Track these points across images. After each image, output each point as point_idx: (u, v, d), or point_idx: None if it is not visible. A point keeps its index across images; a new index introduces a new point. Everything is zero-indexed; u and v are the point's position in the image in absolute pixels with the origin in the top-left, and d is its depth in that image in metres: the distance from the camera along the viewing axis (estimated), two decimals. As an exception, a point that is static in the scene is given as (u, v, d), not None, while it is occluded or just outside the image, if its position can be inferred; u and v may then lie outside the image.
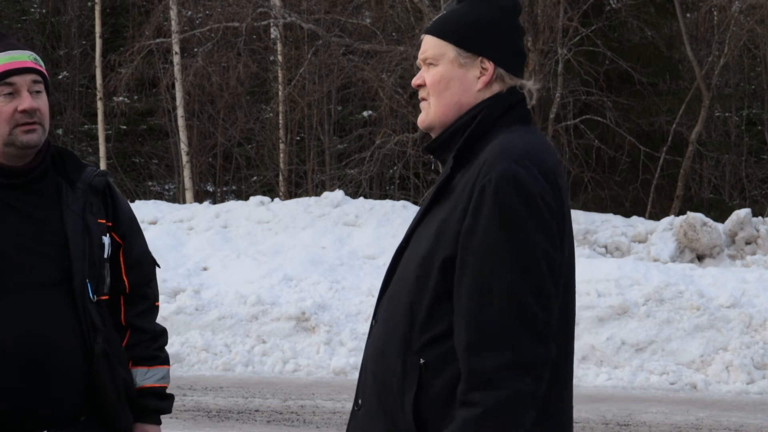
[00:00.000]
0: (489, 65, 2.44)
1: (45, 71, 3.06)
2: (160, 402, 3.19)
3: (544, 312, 2.26)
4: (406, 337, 2.36)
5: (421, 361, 2.33)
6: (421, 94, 2.51)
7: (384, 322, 2.44)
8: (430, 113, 2.49)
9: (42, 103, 3.02)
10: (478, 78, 2.45)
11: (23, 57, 3.01)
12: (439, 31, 2.48)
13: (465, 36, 2.45)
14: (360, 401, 2.47)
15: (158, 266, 3.28)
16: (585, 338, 10.24)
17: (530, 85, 2.49)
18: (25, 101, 2.97)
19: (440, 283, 2.32)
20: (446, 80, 2.46)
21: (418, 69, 2.54)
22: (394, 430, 2.36)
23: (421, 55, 2.51)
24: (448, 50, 2.46)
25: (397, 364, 2.36)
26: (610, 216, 14.68)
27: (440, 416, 2.31)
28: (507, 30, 2.48)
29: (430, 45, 2.49)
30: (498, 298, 2.23)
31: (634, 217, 14.77)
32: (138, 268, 3.18)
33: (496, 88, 2.46)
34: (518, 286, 2.24)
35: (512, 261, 2.24)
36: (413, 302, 2.36)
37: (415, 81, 2.51)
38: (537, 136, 2.45)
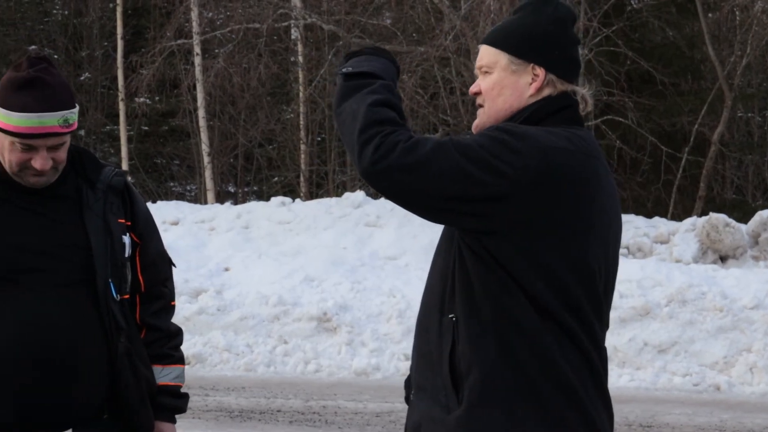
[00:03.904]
0: (540, 71, 2.57)
1: (75, 124, 3.00)
2: (174, 400, 3.21)
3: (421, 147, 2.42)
4: (442, 302, 2.53)
5: (452, 317, 2.49)
6: (478, 101, 2.64)
7: (424, 298, 2.62)
8: (484, 117, 2.62)
9: (61, 153, 3.00)
10: (530, 84, 2.58)
11: (51, 122, 2.94)
12: (492, 41, 2.62)
13: (516, 44, 2.58)
14: (413, 391, 2.63)
15: (174, 266, 3.30)
16: (607, 339, 10.17)
17: (584, 91, 2.62)
18: (39, 161, 2.95)
19: (461, 245, 2.50)
20: (499, 87, 2.59)
21: (476, 77, 2.68)
22: (434, 394, 2.52)
23: (477, 64, 2.66)
24: (501, 58, 2.60)
25: (435, 329, 2.53)
26: (632, 217, 14.61)
27: (468, 367, 2.47)
28: (559, 39, 2.60)
29: (485, 54, 2.63)
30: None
31: (657, 218, 14.69)
32: (154, 267, 3.20)
33: (546, 92, 2.59)
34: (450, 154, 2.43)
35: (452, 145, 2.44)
36: (444, 268, 2.54)
37: (473, 89, 2.65)
38: (576, 137, 2.52)
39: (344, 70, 2.58)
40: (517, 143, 2.43)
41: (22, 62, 2.99)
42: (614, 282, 2.65)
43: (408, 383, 2.71)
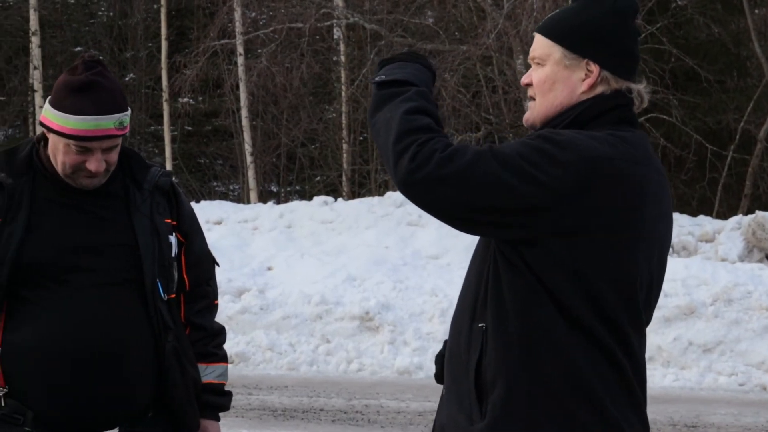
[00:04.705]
0: (594, 67, 2.48)
1: (128, 127, 3.04)
2: (218, 398, 3.23)
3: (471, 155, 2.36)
4: (474, 309, 2.47)
5: (482, 326, 2.43)
6: (529, 92, 2.55)
7: (460, 300, 2.56)
8: (534, 112, 2.53)
9: (113, 156, 3.03)
10: (583, 80, 2.48)
11: (107, 124, 2.96)
12: (547, 31, 2.52)
13: (571, 37, 2.48)
14: (444, 387, 2.59)
15: (217, 265, 3.33)
16: (651, 339, 10.13)
17: (640, 87, 2.51)
18: (94, 163, 2.98)
19: (497, 253, 2.44)
20: (551, 81, 2.50)
21: (529, 66, 2.58)
22: (460, 398, 2.47)
23: (530, 54, 2.55)
24: (555, 51, 2.50)
25: (466, 334, 2.47)
26: (676, 215, 14.49)
27: (493, 378, 2.41)
28: (617, 32, 2.50)
29: (538, 44, 2.53)
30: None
31: (701, 217, 14.57)
32: (198, 267, 3.22)
33: (599, 90, 2.49)
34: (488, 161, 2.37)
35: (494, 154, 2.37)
36: (479, 274, 2.48)
37: (524, 80, 2.56)
38: (622, 142, 2.43)
39: (377, 78, 2.52)
40: (559, 152, 2.35)
41: (77, 65, 3.01)
42: (659, 289, 2.56)
43: (438, 359, 2.67)
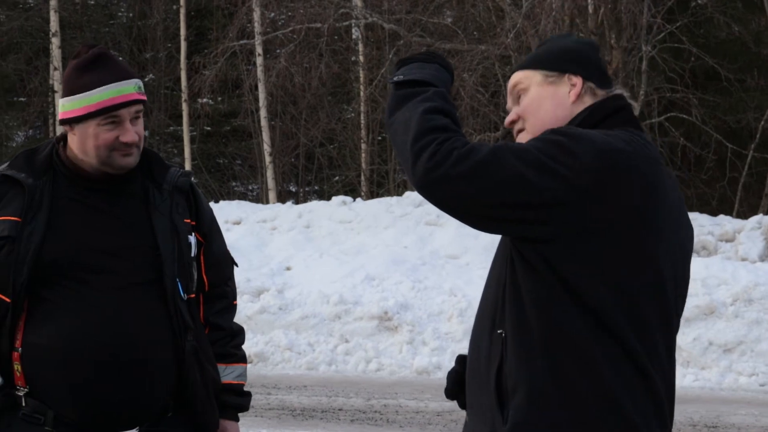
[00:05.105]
0: (577, 80, 2.54)
1: (145, 96, 3.08)
2: (237, 399, 3.24)
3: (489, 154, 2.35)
4: (494, 314, 2.45)
5: (501, 333, 2.40)
6: (517, 126, 2.58)
7: (480, 307, 2.54)
8: (527, 137, 2.52)
9: (140, 128, 3.06)
10: (569, 93, 2.53)
11: (129, 89, 3.00)
12: (523, 66, 2.60)
13: (548, 60, 2.57)
14: (467, 408, 2.55)
15: (236, 265, 3.33)
16: (671, 339, 10.09)
17: (627, 94, 2.59)
18: (128, 134, 3.00)
19: (514, 255, 2.41)
20: (538, 100, 2.54)
21: (509, 110, 2.62)
22: (482, 411, 2.44)
23: (510, 90, 2.60)
24: (535, 75, 2.56)
25: (486, 343, 2.45)
26: (696, 215, 14.44)
27: (514, 384, 2.37)
28: (587, 53, 2.60)
29: (518, 77, 2.59)
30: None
31: (722, 216, 14.50)
32: (217, 267, 3.23)
33: (588, 100, 2.54)
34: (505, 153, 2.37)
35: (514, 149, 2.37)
36: (499, 278, 2.46)
37: (509, 119, 2.59)
38: (635, 138, 2.43)
39: (395, 78, 2.52)
40: (576, 146, 2.34)
41: (80, 50, 3.07)
42: (684, 298, 2.51)
43: (450, 375, 2.64)
